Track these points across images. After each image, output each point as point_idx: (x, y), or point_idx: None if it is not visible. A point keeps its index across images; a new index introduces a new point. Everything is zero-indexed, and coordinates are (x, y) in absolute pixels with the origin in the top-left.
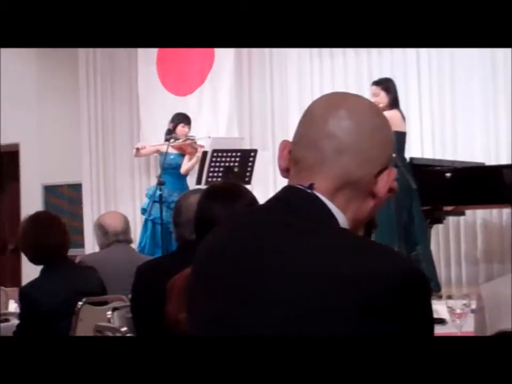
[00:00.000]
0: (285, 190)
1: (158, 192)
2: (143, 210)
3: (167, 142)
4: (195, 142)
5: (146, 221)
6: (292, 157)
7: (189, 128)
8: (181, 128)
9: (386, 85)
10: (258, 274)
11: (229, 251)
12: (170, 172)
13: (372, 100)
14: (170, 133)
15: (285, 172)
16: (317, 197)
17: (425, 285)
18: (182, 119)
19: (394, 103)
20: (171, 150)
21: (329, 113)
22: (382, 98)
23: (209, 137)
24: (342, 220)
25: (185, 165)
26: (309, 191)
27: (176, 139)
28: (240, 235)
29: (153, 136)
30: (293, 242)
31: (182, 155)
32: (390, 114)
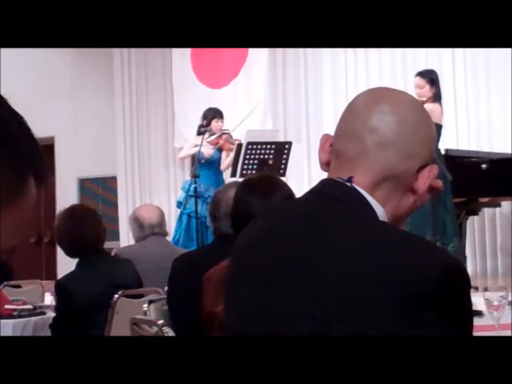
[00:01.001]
0: (324, 183)
1: (193, 186)
2: (179, 204)
3: (201, 136)
4: (231, 137)
5: (181, 214)
6: (333, 150)
7: (223, 122)
8: (215, 123)
9: (431, 76)
10: (298, 266)
11: (269, 243)
12: (207, 166)
13: (415, 91)
14: (202, 127)
15: (326, 165)
16: (356, 189)
17: (465, 278)
18: (215, 113)
19: (437, 97)
20: (207, 145)
21: (372, 107)
22: (426, 92)
23: (242, 121)
24: (381, 213)
25: (224, 161)
26: (348, 184)
27: (211, 134)
28: (279, 227)
29: (187, 127)
30: (332, 235)
31: (219, 150)
32: (431, 107)
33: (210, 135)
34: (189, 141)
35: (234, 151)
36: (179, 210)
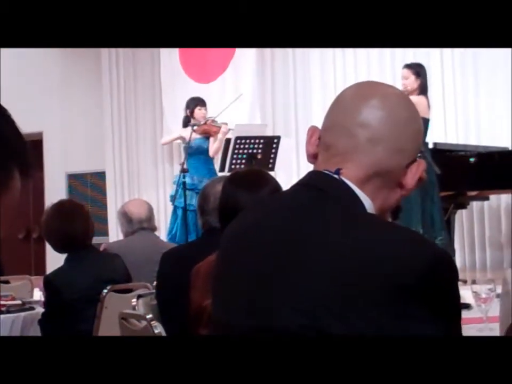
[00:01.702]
0: (311, 174)
1: (182, 180)
2: (172, 198)
3: (188, 128)
4: (214, 121)
5: (175, 208)
6: (322, 143)
7: (206, 110)
8: (198, 111)
9: (417, 69)
10: (285, 259)
11: (256, 236)
12: (197, 157)
13: (401, 82)
14: (188, 119)
15: (313, 158)
16: (344, 182)
17: (453, 269)
18: (197, 102)
19: (423, 89)
20: (194, 136)
21: (361, 102)
22: (411, 83)
23: (241, 94)
24: (370, 207)
25: (212, 146)
26: (335, 176)
27: (195, 124)
28: (267, 220)
29: (175, 123)
30: (320, 227)
31: (207, 138)
32: (416, 99)
33: (196, 124)
34: (173, 132)
35: (221, 140)
36: (169, 205)
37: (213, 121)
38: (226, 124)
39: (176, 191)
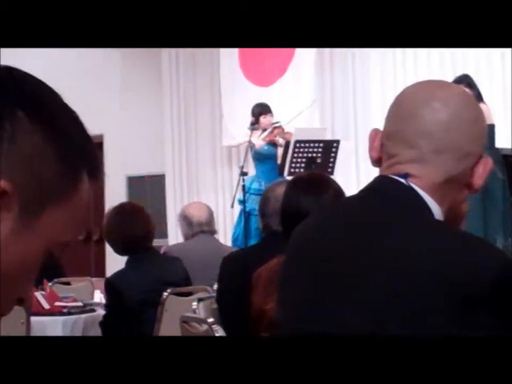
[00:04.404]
0: (379, 180)
1: (241, 183)
2: (239, 202)
3: (253, 132)
4: (283, 130)
5: (240, 212)
6: (385, 151)
7: (271, 116)
8: (263, 120)
9: (467, 81)
10: (352, 265)
11: (323, 241)
12: (264, 163)
13: None
14: (253, 125)
15: (377, 162)
16: (412, 188)
17: None
18: (261, 109)
19: (479, 98)
20: (263, 142)
21: (423, 106)
22: None
23: (301, 112)
24: (438, 212)
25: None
26: (403, 181)
27: (264, 130)
28: (336, 225)
29: (235, 126)
30: (387, 234)
31: (274, 146)
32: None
33: (263, 131)
34: (237, 138)
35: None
36: (229, 209)
37: (282, 130)
38: (291, 132)
39: (244, 194)
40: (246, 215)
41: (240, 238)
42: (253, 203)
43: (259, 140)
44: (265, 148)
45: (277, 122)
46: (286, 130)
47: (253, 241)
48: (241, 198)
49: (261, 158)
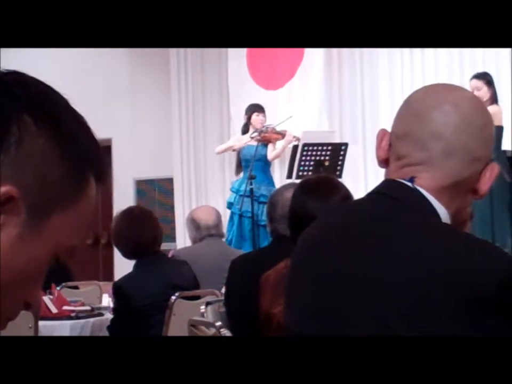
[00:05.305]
0: (386, 183)
1: (249, 187)
2: (229, 204)
3: (245, 135)
4: (274, 129)
5: (232, 214)
6: (394, 152)
7: (264, 116)
8: (255, 117)
9: (488, 78)
10: (360, 268)
11: (333, 245)
12: (256, 164)
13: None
14: (246, 125)
15: (384, 163)
16: (418, 191)
17: None
18: (254, 108)
19: (495, 98)
20: (252, 143)
21: (434, 109)
22: (484, 93)
23: (290, 116)
24: (445, 216)
25: (271, 152)
26: (410, 184)
27: (261, 131)
28: (343, 229)
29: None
30: (395, 237)
31: (264, 145)
32: (494, 110)
33: (254, 132)
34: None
35: (288, 142)
36: (230, 211)
37: (273, 128)
38: (286, 131)
39: (238, 198)
40: (239, 217)
41: (234, 242)
42: (245, 205)
43: (246, 138)
44: (251, 147)
45: (269, 124)
46: (279, 130)
47: (246, 244)
48: (231, 200)
49: (249, 158)
